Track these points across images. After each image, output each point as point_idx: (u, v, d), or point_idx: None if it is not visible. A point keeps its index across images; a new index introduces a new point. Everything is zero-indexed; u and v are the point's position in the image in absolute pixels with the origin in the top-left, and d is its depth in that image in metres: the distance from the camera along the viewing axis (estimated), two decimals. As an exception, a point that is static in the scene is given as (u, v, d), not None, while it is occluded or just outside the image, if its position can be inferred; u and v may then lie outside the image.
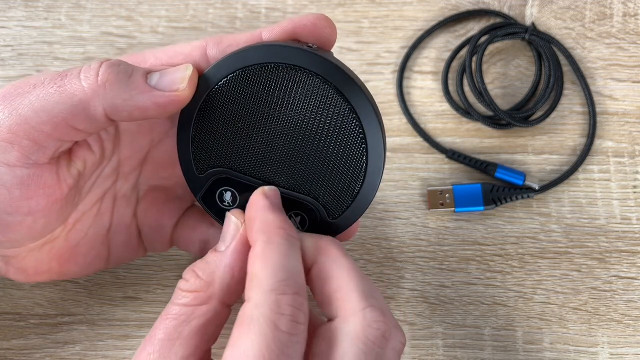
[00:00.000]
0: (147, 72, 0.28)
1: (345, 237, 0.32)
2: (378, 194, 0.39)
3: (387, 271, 0.37)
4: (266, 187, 0.29)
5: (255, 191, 0.29)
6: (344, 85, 0.28)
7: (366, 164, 0.29)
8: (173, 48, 0.30)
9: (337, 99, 0.28)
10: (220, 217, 0.31)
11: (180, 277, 0.27)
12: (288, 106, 0.29)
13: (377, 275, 0.37)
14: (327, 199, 0.30)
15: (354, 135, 0.28)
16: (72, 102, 0.27)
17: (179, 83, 0.28)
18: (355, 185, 0.29)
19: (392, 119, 0.41)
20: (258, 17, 0.44)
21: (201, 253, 0.34)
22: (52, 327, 0.36)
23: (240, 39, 0.29)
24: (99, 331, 0.36)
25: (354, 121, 0.28)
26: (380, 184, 0.39)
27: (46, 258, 0.32)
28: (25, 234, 0.30)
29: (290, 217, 0.30)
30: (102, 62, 0.28)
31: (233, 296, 0.27)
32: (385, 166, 0.40)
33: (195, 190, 0.31)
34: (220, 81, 0.29)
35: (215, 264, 0.28)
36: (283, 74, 0.28)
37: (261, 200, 0.28)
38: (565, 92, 0.41)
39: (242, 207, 0.30)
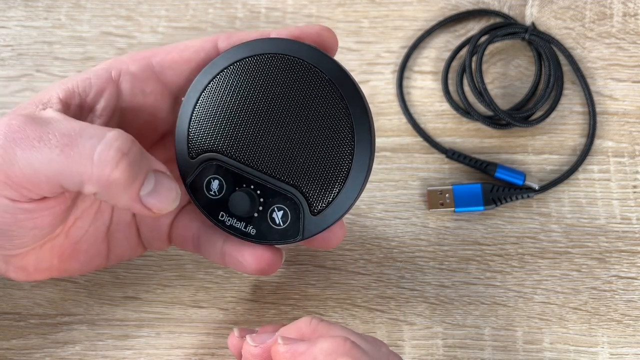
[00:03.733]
0: (147, 172, 0.28)
1: (328, 244, 0.32)
2: (378, 193, 0.39)
3: (387, 271, 0.37)
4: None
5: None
6: (340, 80, 0.29)
7: (351, 161, 0.29)
8: (183, 43, 0.31)
9: (332, 92, 0.29)
10: (205, 206, 0.31)
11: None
12: (283, 94, 0.29)
13: (377, 275, 0.37)
14: (309, 191, 0.30)
15: (343, 133, 0.29)
16: (74, 181, 0.27)
17: (163, 208, 0.29)
18: (338, 181, 0.30)
19: (392, 119, 0.41)
20: (258, 17, 0.44)
21: (194, 250, 0.34)
22: (52, 327, 0.36)
23: (250, 36, 0.31)
24: (99, 331, 0.36)
25: (345, 116, 0.29)
26: (381, 184, 0.39)
27: (47, 256, 0.32)
28: (30, 240, 0.30)
29: (272, 211, 0.30)
30: (123, 153, 0.27)
31: None
32: (385, 166, 0.40)
33: (185, 176, 0.31)
34: (225, 68, 0.30)
35: None
36: (281, 63, 0.29)
37: None
38: (565, 92, 0.41)
39: (226, 198, 0.31)
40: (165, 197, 0.29)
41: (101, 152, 0.26)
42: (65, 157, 0.26)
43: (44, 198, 0.28)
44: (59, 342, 0.36)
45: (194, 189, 0.31)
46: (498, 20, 0.43)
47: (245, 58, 0.30)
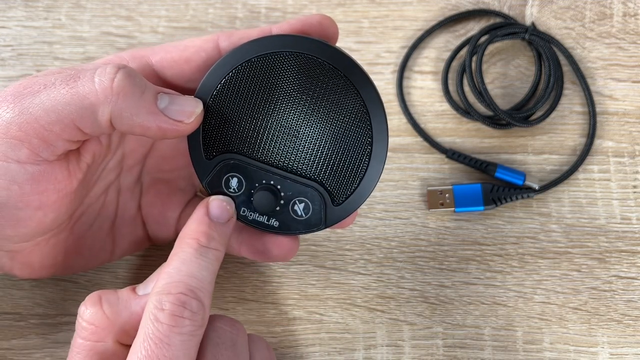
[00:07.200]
0: (158, 92, 0.29)
1: (342, 225, 0.32)
2: (378, 193, 0.39)
3: (387, 271, 0.37)
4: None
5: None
6: (352, 74, 0.29)
7: (370, 151, 0.30)
8: (183, 42, 0.31)
9: (347, 86, 0.29)
10: None
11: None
12: (300, 93, 0.29)
13: (377, 275, 0.37)
14: (332, 184, 0.31)
15: (361, 123, 0.29)
16: (83, 104, 0.27)
17: (186, 117, 0.29)
18: (360, 171, 0.30)
19: (392, 119, 0.41)
20: (258, 17, 0.44)
21: None
22: (52, 327, 0.36)
23: (251, 34, 0.30)
24: (99, 331, 0.36)
25: (362, 109, 0.29)
26: (381, 184, 0.39)
27: (52, 252, 0.32)
28: (35, 227, 0.30)
29: (294, 203, 0.31)
30: (118, 67, 0.28)
31: (131, 339, 0.28)
32: (386, 166, 0.40)
33: (202, 176, 0.31)
34: (235, 67, 0.30)
35: (126, 305, 0.29)
36: (295, 61, 0.29)
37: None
38: (565, 92, 0.41)
39: (248, 194, 0.31)
40: (187, 103, 0.29)
41: (99, 72, 0.28)
42: (71, 88, 0.28)
43: (52, 161, 0.28)
44: (59, 342, 0.36)
45: (212, 188, 0.32)
46: (498, 20, 0.43)
47: (255, 57, 0.29)
